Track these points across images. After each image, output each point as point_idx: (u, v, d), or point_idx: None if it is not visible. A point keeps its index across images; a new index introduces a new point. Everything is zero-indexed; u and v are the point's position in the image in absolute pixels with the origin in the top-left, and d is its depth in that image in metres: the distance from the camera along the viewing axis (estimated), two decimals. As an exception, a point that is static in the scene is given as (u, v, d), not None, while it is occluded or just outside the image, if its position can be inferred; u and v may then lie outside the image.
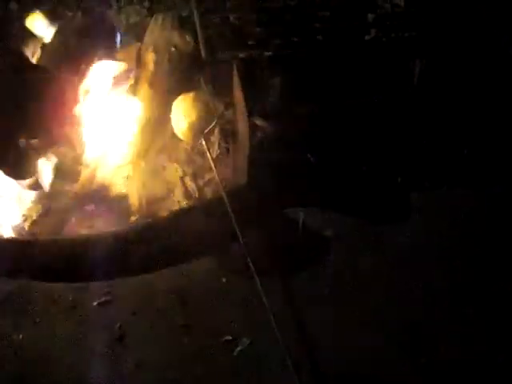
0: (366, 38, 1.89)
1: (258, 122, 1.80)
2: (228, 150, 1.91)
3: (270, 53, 1.86)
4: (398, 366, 1.49)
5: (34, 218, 1.69)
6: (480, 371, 1.49)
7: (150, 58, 1.90)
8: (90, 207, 1.75)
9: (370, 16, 1.95)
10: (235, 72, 1.79)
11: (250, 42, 1.89)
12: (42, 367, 1.47)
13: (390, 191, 1.83)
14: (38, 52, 1.81)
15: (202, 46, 1.88)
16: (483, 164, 1.85)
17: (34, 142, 1.69)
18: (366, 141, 1.86)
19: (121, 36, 1.96)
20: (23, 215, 1.72)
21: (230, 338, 1.53)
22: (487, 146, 1.87)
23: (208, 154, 1.81)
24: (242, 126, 1.74)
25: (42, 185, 1.72)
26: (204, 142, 1.80)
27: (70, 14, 1.91)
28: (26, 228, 1.68)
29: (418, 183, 1.83)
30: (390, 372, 1.49)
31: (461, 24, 1.94)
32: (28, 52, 1.83)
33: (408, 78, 1.91)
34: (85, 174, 1.77)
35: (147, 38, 1.98)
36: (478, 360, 1.50)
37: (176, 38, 1.94)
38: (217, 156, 1.91)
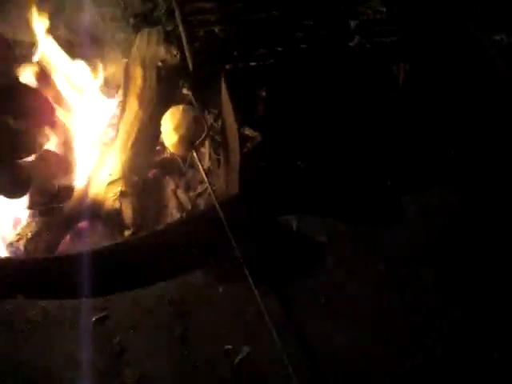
0: (350, 44, 1.91)
1: (248, 131, 1.82)
2: (219, 161, 1.92)
3: (255, 63, 1.88)
4: (397, 371, 1.50)
5: (29, 236, 1.68)
6: (477, 369, 1.51)
7: (137, 73, 1.92)
8: (84, 223, 1.75)
9: (353, 23, 1.97)
10: (223, 83, 1.79)
11: (235, 54, 1.90)
12: (42, 386, 1.46)
13: (381, 194, 1.84)
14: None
15: (188, 60, 1.89)
16: (472, 163, 1.86)
17: (26, 159, 1.70)
18: (355, 146, 1.88)
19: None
20: (17, 234, 1.72)
21: (230, 347, 1.53)
22: (475, 146, 1.89)
23: (199, 165, 1.82)
24: (232, 137, 1.75)
25: (35, 203, 1.72)
26: (195, 154, 1.80)
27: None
28: (21, 247, 1.68)
29: (408, 185, 1.84)
30: (389, 377, 1.50)
31: (443, 28, 1.97)
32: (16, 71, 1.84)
33: (393, 82, 1.93)
34: (77, 190, 1.77)
35: (134, 54, 1.99)
36: (475, 358, 1.52)
37: (162, 52, 1.96)
38: (208, 167, 1.93)
